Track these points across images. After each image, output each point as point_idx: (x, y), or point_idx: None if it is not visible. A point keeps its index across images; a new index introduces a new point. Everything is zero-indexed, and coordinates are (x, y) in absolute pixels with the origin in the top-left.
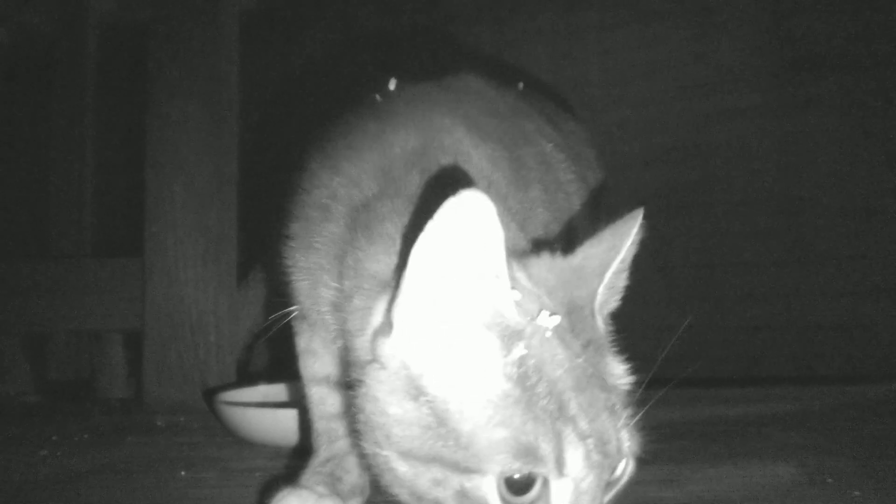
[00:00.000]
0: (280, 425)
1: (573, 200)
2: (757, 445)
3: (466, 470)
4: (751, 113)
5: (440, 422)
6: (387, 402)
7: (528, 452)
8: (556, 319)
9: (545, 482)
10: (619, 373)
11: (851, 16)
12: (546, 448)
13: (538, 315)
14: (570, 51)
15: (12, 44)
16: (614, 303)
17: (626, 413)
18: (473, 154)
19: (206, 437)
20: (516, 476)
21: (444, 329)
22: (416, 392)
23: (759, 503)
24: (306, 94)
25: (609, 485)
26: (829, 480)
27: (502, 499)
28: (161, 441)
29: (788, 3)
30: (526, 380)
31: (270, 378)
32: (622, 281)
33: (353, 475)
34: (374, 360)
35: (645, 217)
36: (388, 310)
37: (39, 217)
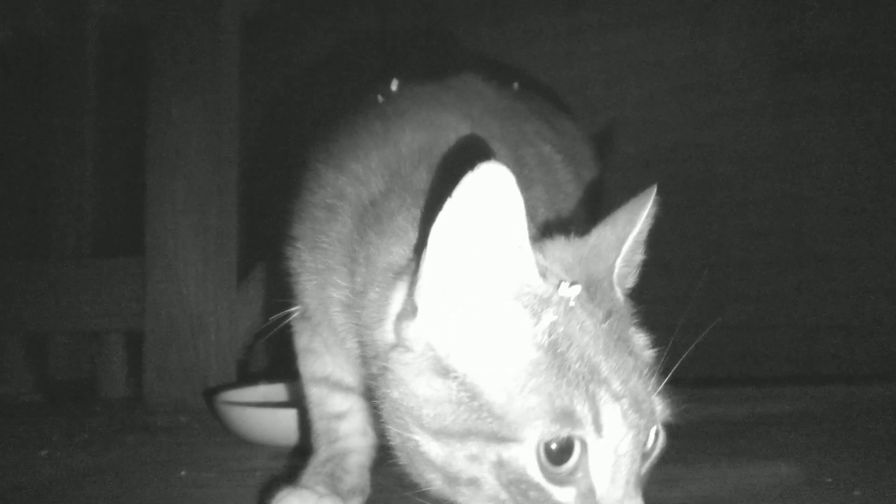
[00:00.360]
0: (280, 425)
1: (571, 201)
2: (757, 445)
3: (504, 439)
4: (751, 113)
5: (473, 395)
6: (415, 383)
7: (564, 415)
8: (577, 289)
9: (584, 448)
10: (642, 343)
11: (851, 16)
12: (582, 409)
13: (559, 286)
14: (570, 51)
15: (12, 44)
16: (632, 278)
17: (653, 380)
18: None
19: (206, 437)
20: (553, 446)
21: (471, 303)
22: (445, 370)
23: (759, 503)
24: (306, 94)
25: (644, 456)
26: (829, 480)
27: (542, 468)
28: (161, 441)
29: (788, 3)
30: (556, 346)
31: (270, 378)
32: (639, 255)
33: (353, 475)
34: (399, 344)
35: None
36: (410, 294)
37: (39, 217)
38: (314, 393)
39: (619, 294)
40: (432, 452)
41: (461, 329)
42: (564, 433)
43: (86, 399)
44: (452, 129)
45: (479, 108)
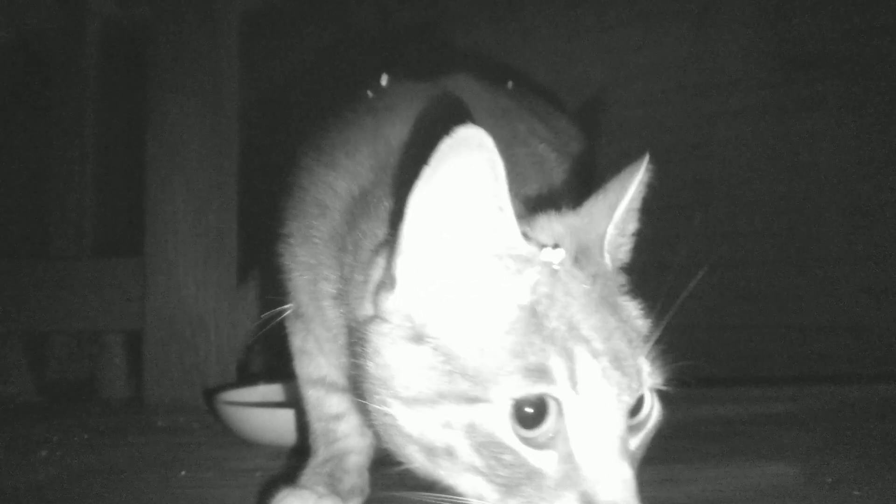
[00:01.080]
0: (279, 425)
1: (566, 200)
2: (757, 445)
3: (474, 399)
4: (751, 113)
5: (446, 359)
6: (390, 353)
7: (536, 371)
8: (561, 252)
9: (560, 409)
10: (633, 311)
11: (851, 16)
12: (557, 365)
13: (542, 251)
14: (570, 51)
15: (13, 44)
16: (626, 250)
17: (643, 345)
18: None
19: (206, 437)
20: (528, 409)
21: (450, 267)
22: (420, 336)
23: (759, 503)
24: (306, 94)
25: (634, 428)
26: (829, 480)
27: (515, 430)
28: (161, 441)
29: (788, 3)
30: (537, 304)
31: (270, 378)
32: (633, 224)
33: (352, 475)
34: (376, 315)
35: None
36: (388, 266)
37: (39, 217)
38: (311, 395)
39: (608, 261)
40: (408, 424)
41: (439, 293)
42: (536, 390)
43: (86, 399)
44: (443, 123)
45: (472, 106)
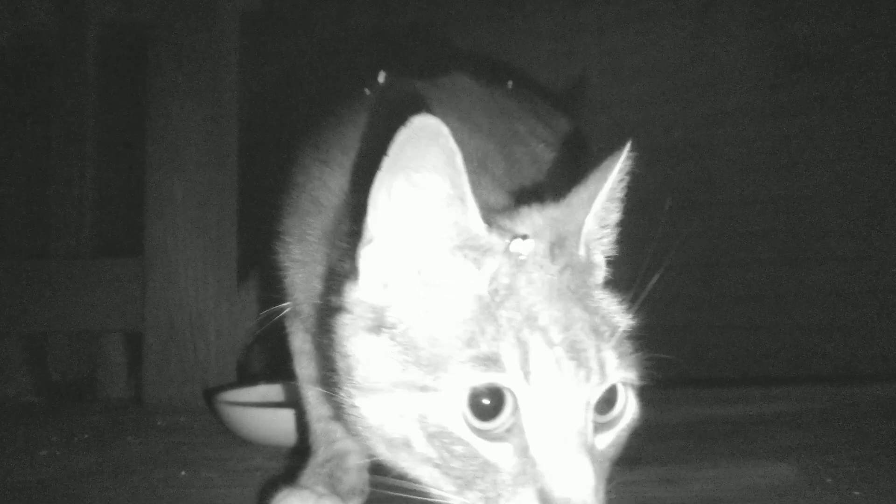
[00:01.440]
0: (280, 425)
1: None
2: (757, 445)
3: (426, 388)
4: (751, 113)
5: (403, 349)
6: (350, 343)
7: (488, 360)
8: (530, 243)
9: (515, 401)
10: (606, 303)
11: (851, 16)
12: (508, 355)
13: (511, 241)
14: (570, 51)
15: (13, 44)
16: (608, 241)
17: (614, 337)
18: (468, 144)
19: (206, 437)
20: (485, 401)
21: (410, 257)
22: (379, 326)
23: (759, 503)
24: (306, 94)
25: (604, 425)
26: (829, 480)
27: (468, 423)
28: (161, 441)
29: (788, 4)
30: (495, 295)
31: (270, 378)
32: (614, 214)
33: (352, 475)
34: (342, 307)
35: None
36: (353, 256)
37: (39, 217)
38: (311, 395)
39: (584, 251)
40: (369, 415)
41: (399, 283)
42: (485, 379)
43: (86, 399)
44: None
45: (468, 105)
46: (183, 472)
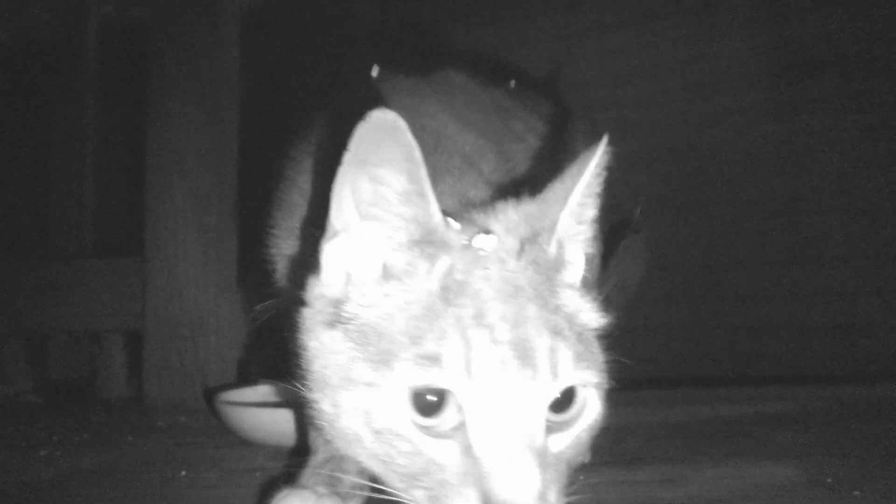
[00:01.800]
0: (280, 425)
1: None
2: (757, 445)
3: (371, 384)
4: (751, 113)
5: (354, 344)
6: (307, 338)
7: (428, 358)
8: (492, 239)
9: (460, 404)
10: (574, 304)
11: (851, 16)
12: (450, 352)
13: (474, 236)
14: (570, 51)
15: (12, 44)
16: (585, 238)
17: (575, 337)
18: (457, 139)
19: (206, 437)
20: (428, 397)
21: (367, 251)
22: (333, 321)
23: (759, 503)
24: (306, 94)
25: (560, 425)
26: (829, 480)
27: (413, 420)
28: (161, 441)
29: (788, 4)
30: (447, 292)
31: (270, 378)
32: (591, 210)
33: (352, 475)
34: (304, 301)
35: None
36: (317, 252)
37: (39, 217)
38: None
39: (556, 248)
40: (325, 410)
41: (355, 277)
42: (426, 378)
43: (86, 399)
44: (430, 116)
45: (462, 101)
46: (183, 472)
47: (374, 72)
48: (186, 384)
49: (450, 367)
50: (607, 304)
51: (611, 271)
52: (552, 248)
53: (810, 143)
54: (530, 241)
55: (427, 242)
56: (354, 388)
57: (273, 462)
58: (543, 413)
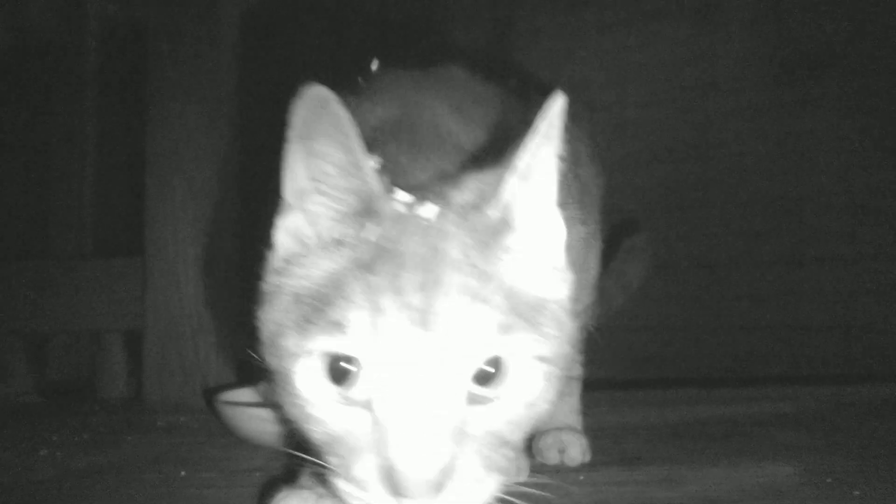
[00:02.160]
0: (279, 425)
1: (563, 194)
2: (757, 445)
3: (292, 354)
4: (751, 113)
5: (287, 315)
6: (261, 310)
7: (336, 324)
8: (428, 208)
9: (363, 366)
10: (519, 272)
11: (851, 16)
12: (357, 319)
13: (412, 205)
14: (570, 51)
15: (13, 44)
16: (539, 201)
17: (509, 306)
18: (456, 132)
19: (206, 437)
20: (343, 364)
21: (312, 225)
22: (274, 293)
23: (759, 503)
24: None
25: (481, 399)
26: (829, 480)
27: (325, 389)
28: (161, 441)
29: (788, 3)
30: (374, 260)
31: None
32: (545, 174)
33: None
34: (260, 277)
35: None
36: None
37: (39, 217)
38: None
39: (501, 213)
40: (273, 379)
41: (299, 251)
42: (334, 343)
43: (86, 399)
44: (427, 107)
45: (460, 95)
46: (183, 472)
47: (374, 65)
48: (186, 384)
49: (354, 333)
50: (609, 303)
51: (612, 271)
52: (496, 213)
53: (810, 143)
54: (473, 208)
55: (361, 212)
56: (282, 357)
57: (273, 462)
58: (458, 383)
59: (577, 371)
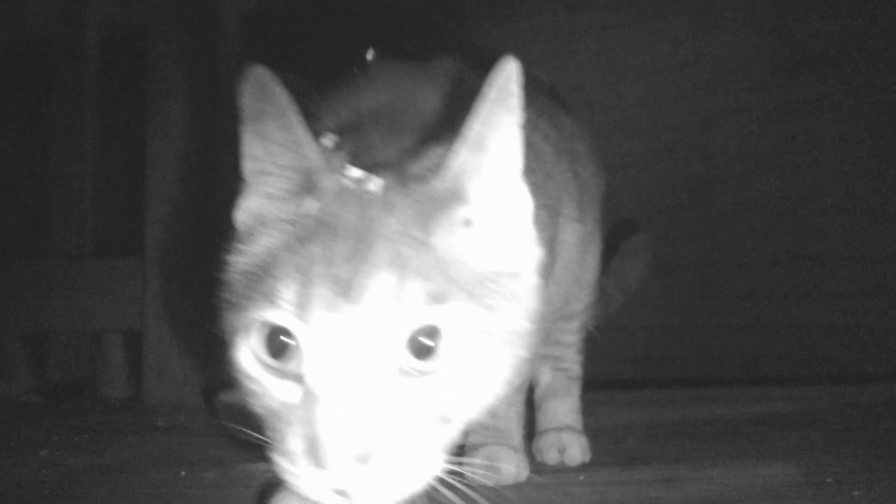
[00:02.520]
0: None
1: (562, 191)
2: (757, 445)
3: (234, 329)
4: (751, 113)
5: (233, 291)
6: (219, 291)
7: (268, 296)
8: (371, 180)
9: (298, 338)
10: (465, 243)
11: (852, 15)
12: (287, 291)
13: (361, 180)
14: (570, 51)
15: (12, 44)
16: (490, 168)
17: (443, 277)
18: (444, 120)
19: (206, 437)
20: (282, 337)
21: (263, 203)
22: (233, 268)
23: (759, 503)
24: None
25: (423, 371)
26: (829, 480)
27: (262, 362)
28: (161, 441)
29: (788, 3)
30: (305, 232)
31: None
32: (499, 140)
33: None
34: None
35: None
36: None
37: (39, 217)
38: None
39: (449, 183)
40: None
41: (251, 229)
42: (266, 315)
43: (86, 399)
44: (420, 96)
45: (454, 87)
46: (183, 472)
47: (369, 55)
48: (186, 384)
49: (285, 304)
50: (607, 304)
51: (611, 272)
52: (443, 184)
53: (810, 143)
54: (419, 180)
55: (304, 187)
56: (228, 333)
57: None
58: (386, 354)
59: (577, 371)
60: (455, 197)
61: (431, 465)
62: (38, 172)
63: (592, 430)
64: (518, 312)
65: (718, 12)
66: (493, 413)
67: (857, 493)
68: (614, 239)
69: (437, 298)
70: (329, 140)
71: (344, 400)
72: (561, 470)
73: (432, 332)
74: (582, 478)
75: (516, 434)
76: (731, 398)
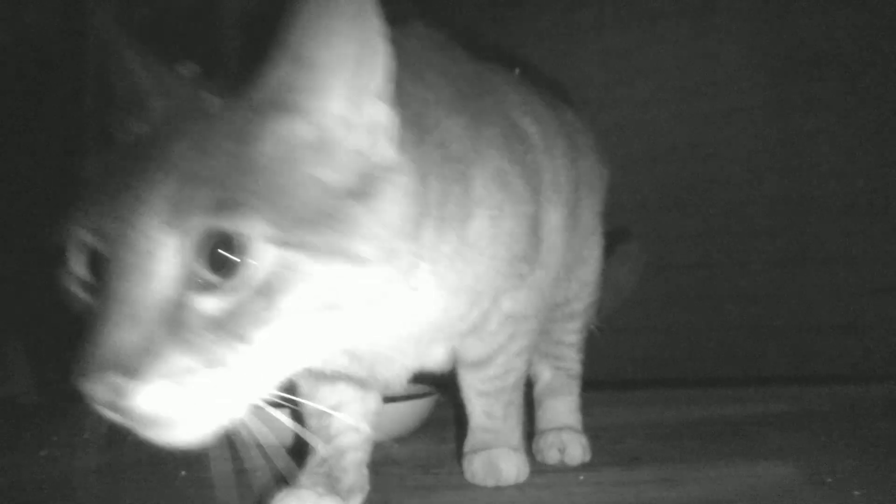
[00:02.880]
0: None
1: (547, 175)
2: (757, 445)
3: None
4: (751, 113)
5: None
6: None
7: (79, 207)
8: (204, 97)
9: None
10: (286, 158)
11: (852, 15)
12: (91, 198)
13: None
14: (570, 51)
15: (12, 44)
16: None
17: (238, 185)
18: (410, 93)
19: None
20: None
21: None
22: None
23: (759, 503)
24: None
25: (221, 284)
26: (829, 480)
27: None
28: None
29: (788, 3)
30: (126, 152)
31: None
32: (345, 55)
33: (350, 474)
34: None
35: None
36: None
37: (39, 217)
38: (302, 386)
39: (261, 95)
40: None
41: None
42: (77, 222)
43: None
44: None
45: (419, 59)
46: (183, 472)
47: None
48: None
49: (91, 212)
50: (599, 308)
51: (604, 276)
52: (259, 95)
53: (810, 143)
54: (234, 91)
55: (138, 114)
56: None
57: (273, 462)
58: (166, 259)
59: (577, 370)
60: (272, 107)
61: (233, 402)
62: (38, 172)
63: (592, 430)
64: (361, 247)
65: (718, 12)
66: (490, 414)
67: (857, 493)
68: (608, 246)
69: (223, 205)
70: (187, 69)
71: (112, 305)
72: (561, 470)
73: (236, 246)
74: (582, 478)
75: (516, 434)
76: (731, 398)
